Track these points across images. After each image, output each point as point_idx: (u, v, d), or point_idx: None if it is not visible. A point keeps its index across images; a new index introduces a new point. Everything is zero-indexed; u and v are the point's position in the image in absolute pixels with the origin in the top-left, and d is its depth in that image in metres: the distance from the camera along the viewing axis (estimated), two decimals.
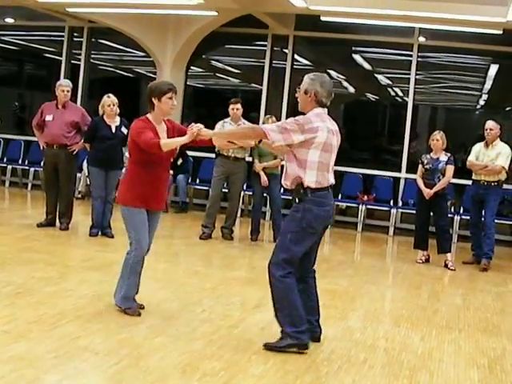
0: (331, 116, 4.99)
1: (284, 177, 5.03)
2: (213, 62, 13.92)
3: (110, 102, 8.70)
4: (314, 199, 4.86)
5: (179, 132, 5.49)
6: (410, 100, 12.08)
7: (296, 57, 12.72)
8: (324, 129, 4.83)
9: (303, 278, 5.08)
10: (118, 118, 8.82)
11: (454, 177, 8.93)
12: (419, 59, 12.02)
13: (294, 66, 12.65)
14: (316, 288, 5.21)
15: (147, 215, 5.45)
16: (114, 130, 8.74)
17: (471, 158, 9.11)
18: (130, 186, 5.45)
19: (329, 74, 13.87)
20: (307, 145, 4.81)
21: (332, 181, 4.99)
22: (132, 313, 5.42)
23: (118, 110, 8.79)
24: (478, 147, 9.14)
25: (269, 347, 4.88)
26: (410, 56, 12.00)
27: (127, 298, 5.49)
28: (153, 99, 5.36)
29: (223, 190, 9.78)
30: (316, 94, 4.90)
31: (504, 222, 10.78)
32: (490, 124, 9.01)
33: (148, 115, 5.45)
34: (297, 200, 4.93)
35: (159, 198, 5.56)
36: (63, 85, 8.99)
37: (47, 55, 15.18)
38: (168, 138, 5.42)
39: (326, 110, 4.99)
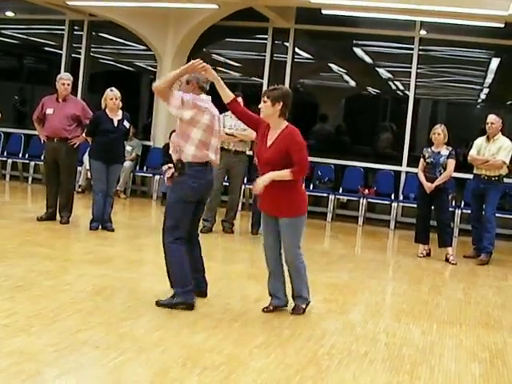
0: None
1: None
2: (213, 55, 13.88)
3: (112, 96, 8.69)
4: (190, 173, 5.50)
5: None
6: (411, 94, 12.05)
7: (297, 50, 12.69)
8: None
9: (189, 241, 5.70)
10: (120, 112, 8.81)
11: (455, 171, 8.91)
12: (420, 53, 11.98)
13: (295, 60, 12.62)
14: (200, 249, 5.89)
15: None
16: (116, 124, 8.73)
17: (472, 152, 9.09)
18: (302, 197, 5.69)
19: (330, 68, 13.94)
20: (194, 123, 5.45)
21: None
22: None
23: (121, 104, 8.78)
24: (479, 141, 9.11)
25: (161, 304, 5.53)
26: (412, 49, 11.96)
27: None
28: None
29: (224, 183, 9.77)
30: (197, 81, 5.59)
31: (506, 216, 10.76)
32: (491, 118, 8.98)
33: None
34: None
35: None
36: (64, 78, 8.98)
37: (47, 49, 15.17)
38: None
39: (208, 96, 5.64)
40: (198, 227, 5.92)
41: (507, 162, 8.87)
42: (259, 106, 5.54)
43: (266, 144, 5.49)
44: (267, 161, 5.47)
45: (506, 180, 9.24)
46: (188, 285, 5.54)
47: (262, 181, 5.42)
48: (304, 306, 5.76)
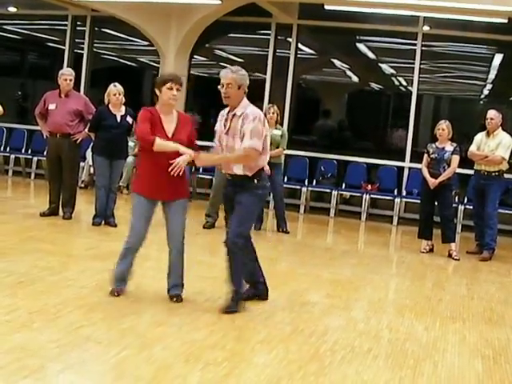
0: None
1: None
2: (216, 51, 13.88)
3: (115, 91, 8.67)
4: None
5: (188, 136, 5.57)
6: (414, 89, 12.03)
7: (300, 46, 12.68)
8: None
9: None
10: (123, 108, 8.80)
11: (459, 167, 8.89)
12: (423, 48, 11.95)
13: (298, 55, 12.60)
14: None
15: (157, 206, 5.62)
16: (119, 120, 8.72)
17: (472, 147, 9.05)
18: (137, 174, 5.81)
19: (333, 63, 13.92)
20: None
21: None
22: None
23: (124, 100, 8.77)
24: (479, 137, 9.07)
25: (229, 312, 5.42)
26: (415, 45, 11.93)
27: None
28: (156, 90, 5.53)
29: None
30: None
31: (509, 211, 10.73)
32: (491, 113, 8.93)
33: (156, 105, 5.60)
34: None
35: (162, 188, 5.50)
36: (66, 73, 8.96)
37: (50, 44, 15.18)
38: (175, 131, 5.51)
39: None
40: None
41: (506, 157, 8.83)
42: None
43: None
44: None
45: (507, 176, 9.20)
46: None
47: None
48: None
